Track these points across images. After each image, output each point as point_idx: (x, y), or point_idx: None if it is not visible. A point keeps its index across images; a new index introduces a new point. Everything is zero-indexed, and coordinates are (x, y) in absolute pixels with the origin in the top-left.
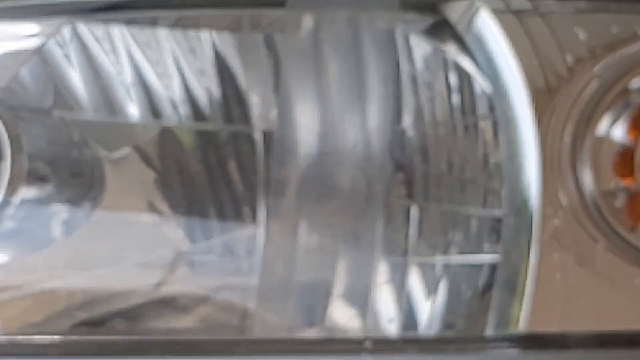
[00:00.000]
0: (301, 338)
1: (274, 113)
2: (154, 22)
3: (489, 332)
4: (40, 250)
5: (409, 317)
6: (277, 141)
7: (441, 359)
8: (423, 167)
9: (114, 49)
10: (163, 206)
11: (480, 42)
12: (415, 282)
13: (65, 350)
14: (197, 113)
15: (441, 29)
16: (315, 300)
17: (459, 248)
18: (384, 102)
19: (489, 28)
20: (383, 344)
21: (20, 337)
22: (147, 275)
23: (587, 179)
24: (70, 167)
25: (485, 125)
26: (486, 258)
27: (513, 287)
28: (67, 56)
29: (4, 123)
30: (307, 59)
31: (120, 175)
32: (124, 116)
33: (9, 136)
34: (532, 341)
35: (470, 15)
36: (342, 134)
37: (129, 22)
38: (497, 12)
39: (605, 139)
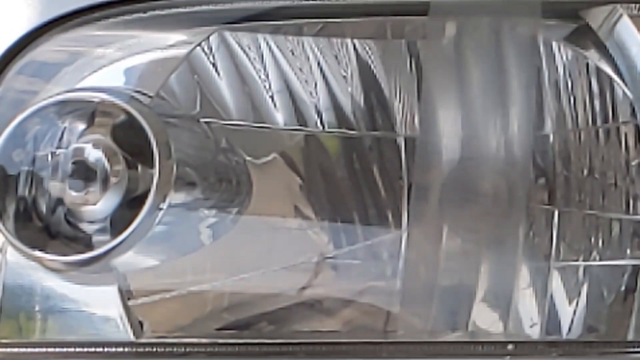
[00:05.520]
0: (444, 341)
1: (416, 119)
2: (299, 31)
3: (631, 336)
4: (188, 254)
5: (550, 321)
6: (420, 146)
7: None
8: (565, 172)
9: (259, 57)
10: (308, 211)
11: (622, 47)
12: (557, 286)
13: (211, 353)
14: (341, 119)
15: (583, 35)
16: (458, 304)
17: (600, 252)
18: (526, 107)
19: (631, 34)
20: (526, 347)
21: (168, 339)
22: (292, 279)
23: None
24: (217, 172)
25: (627, 129)
26: (628, 262)
27: None
28: (214, 64)
29: (153, 130)
30: (449, 66)
31: (266, 181)
32: (269, 123)
33: (158, 143)
34: None
35: (612, 22)
36: (484, 139)
37: (275, 31)
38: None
39: None
